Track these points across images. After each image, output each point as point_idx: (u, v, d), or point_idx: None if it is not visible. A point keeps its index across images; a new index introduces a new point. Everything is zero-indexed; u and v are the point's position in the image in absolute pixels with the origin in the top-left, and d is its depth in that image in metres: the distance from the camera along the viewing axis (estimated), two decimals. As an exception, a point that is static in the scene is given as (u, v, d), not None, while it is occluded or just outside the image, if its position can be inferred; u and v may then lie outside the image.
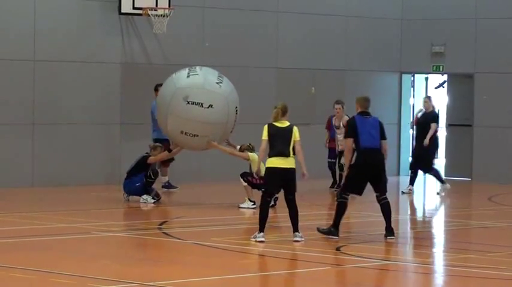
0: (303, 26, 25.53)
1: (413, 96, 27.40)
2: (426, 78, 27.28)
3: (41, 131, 21.70)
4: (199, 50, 24.13)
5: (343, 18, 26.51)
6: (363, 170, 14.46)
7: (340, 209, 14.21)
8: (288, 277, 12.94)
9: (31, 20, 22.66)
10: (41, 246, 14.54)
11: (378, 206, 16.27)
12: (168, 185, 21.36)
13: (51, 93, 22.74)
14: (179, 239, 15.75)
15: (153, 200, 18.88)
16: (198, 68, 18.43)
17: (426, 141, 20.79)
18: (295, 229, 13.36)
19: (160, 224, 16.78)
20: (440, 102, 27.71)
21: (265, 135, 13.47)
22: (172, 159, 20.93)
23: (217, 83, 18.00)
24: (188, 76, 17.98)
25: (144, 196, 18.83)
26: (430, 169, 21.38)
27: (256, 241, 13.76)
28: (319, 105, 24.43)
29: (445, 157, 25.20)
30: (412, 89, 27.24)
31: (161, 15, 22.87)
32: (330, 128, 21.79)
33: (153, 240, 16.00)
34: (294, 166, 13.61)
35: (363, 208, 18.91)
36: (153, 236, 16.31)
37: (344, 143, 16.84)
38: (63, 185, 21.53)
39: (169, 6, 22.94)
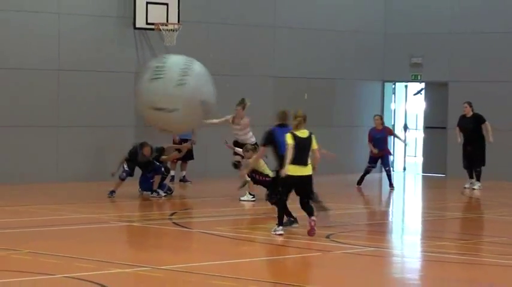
0: (297, 39, 25.47)
1: (394, 102, 27.24)
2: (406, 86, 27.22)
3: (64, 132, 21.46)
4: (204, 60, 23.13)
5: (334, 33, 26.34)
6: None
7: (280, 206, 14.09)
8: (283, 261, 13.00)
9: (56, 34, 22.51)
10: (65, 234, 14.61)
11: (363, 199, 16.44)
12: (184, 179, 21.12)
13: (73, 98, 22.46)
14: (187, 228, 15.79)
15: (164, 194, 18.70)
16: (165, 63, 16.27)
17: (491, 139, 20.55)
18: (311, 214, 13.16)
19: (171, 215, 16.79)
20: (418, 107, 26.76)
21: (291, 142, 13.06)
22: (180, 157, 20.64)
23: (179, 84, 15.96)
24: (151, 79, 15.95)
25: (157, 190, 18.77)
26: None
27: (276, 234, 13.51)
28: (312, 109, 23.53)
29: (422, 156, 25.20)
30: (393, 95, 27.11)
31: (171, 29, 22.84)
32: (371, 139, 21.13)
33: (164, 229, 15.86)
34: (311, 173, 13.44)
35: (350, 201, 19.02)
36: (164, 225, 16.23)
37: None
38: (85, 181, 21.22)
39: (178, 22, 22.95)
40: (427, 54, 26.67)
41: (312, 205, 14.56)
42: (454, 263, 12.81)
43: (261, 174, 18.85)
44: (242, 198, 18.58)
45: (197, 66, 16.37)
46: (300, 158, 13.03)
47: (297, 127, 13.24)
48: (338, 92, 25.89)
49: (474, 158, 20.99)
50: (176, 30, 22.87)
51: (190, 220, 17.08)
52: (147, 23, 22.85)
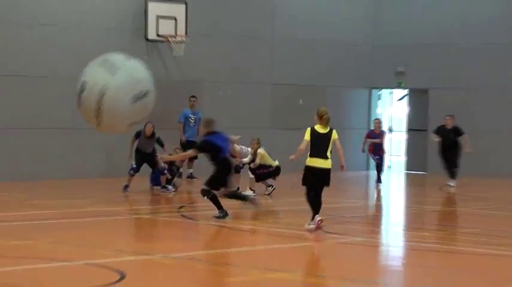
0: (292, 50, 25.40)
1: (380, 107, 27.40)
2: (391, 93, 27.43)
3: (81, 133, 20.99)
4: (209, 69, 24.12)
5: (326, 44, 26.30)
6: (225, 173, 14.53)
7: (215, 199, 14.28)
8: (280, 250, 12.97)
9: (75, 46, 22.23)
10: (84, 226, 14.59)
11: (349, 194, 16.56)
12: (191, 176, 21.07)
13: None
14: (194, 220, 15.86)
15: (174, 189, 18.75)
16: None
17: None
18: (316, 212, 13.08)
19: (179, 208, 16.85)
20: (402, 111, 26.95)
21: (307, 136, 13.06)
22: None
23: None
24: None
25: (167, 186, 18.78)
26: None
27: (308, 228, 13.18)
28: (306, 113, 23.28)
29: (406, 155, 25.17)
30: (379, 101, 27.21)
31: (179, 41, 22.91)
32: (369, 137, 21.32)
33: (173, 221, 16.01)
34: (330, 166, 13.24)
35: (341, 195, 18.70)
36: (173, 217, 16.32)
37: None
38: (105, 177, 21.28)
39: (185, 34, 22.93)
40: (409, 64, 26.80)
41: (237, 195, 14.97)
42: (434, 252, 12.83)
43: (265, 167, 18.78)
44: (243, 193, 18.06)
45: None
46: (318, 151, 12.98)
47: (323, 124, 13.17)
48: (329, 97, 25.41)
49: (452, 162, 21.14)
50: (184, 42, 22.91)
51: (196, 213, 17.09)
52: (158, 35, 22.84)
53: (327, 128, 13.16)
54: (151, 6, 22.80)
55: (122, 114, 11.34)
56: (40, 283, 10.17)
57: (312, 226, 12.91)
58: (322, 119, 13.12)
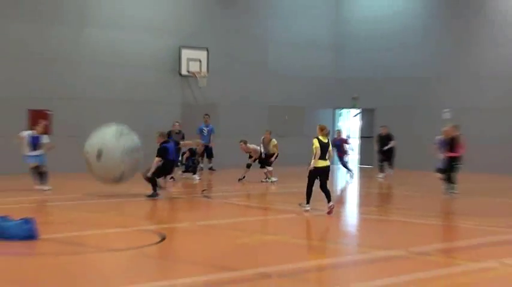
0: (282, 82, 25.68)
1: (341, 121, 27.62)
2: (348, 111, 27.38)
3: None
4: (223, 95, 24.07)
5: (305, 79, 26.39)
6: (167, 169, 14.33)
7: (154, 183, 14.02)
8: (274, 220, 13.24)
9: (126, 79, 21.71)
10: (132, 205, 14.15)
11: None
12: (211, 168, 20.65)
13: (141, 125, 19.78)
14: (213, 199, 15.76)
15: (199, 178, 18.32)
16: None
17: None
18: (329, 200, 12.84)
19: (202, 191, 16.80)
20: (356, 124, 27.51)
21: (317, 144, 12.75)
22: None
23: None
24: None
25: (193, 175, 18.29)
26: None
27: (304, 209, 12.97)
28: (290, 126, 24.72)
29: (359, 154, 25.10)
30: (340, 117, 27.59)
31: (202, 76, 22.90)
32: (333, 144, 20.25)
33: (198, 200, 15.74)
34: (329, 164, 13.06)
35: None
36: (197, 198, 16.00)
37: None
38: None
39: (207, 71, 22.89)
40: (361, 91, 26.73)
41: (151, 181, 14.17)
42: (379, 221, 13.13)
43: (271, 155, 18.56)
44: (273, 179, 18.46)
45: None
46: (323, 155, 12.88)
47: (323, 135, 13.04)
48: (307, 115, 26.09)
49: (387, 158, 21.04)
50: (205, 77, 22.95)
51: (215, 194, 16.87)
52: (188, 72, 22.69)
53: (326, 138, 13.06)
54: (184, 52, 22.73)
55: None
56: (105, 243, 9.98)
57: (307, 208, 12.82)
58: (323, 131, 13.01)
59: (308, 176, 12.88)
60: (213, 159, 20.97)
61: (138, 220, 12.12)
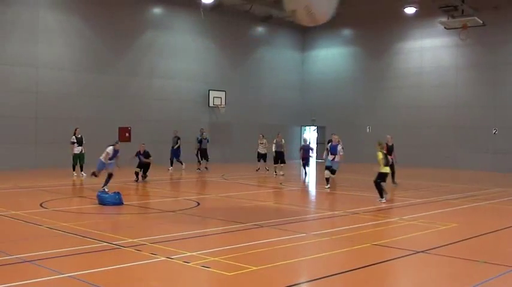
0: (269, 108, 29.45)
1: (305, 133, 30.26)
2: (309, 128, 31.52)
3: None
4: (235, 119, 27.70)
5: (282, 106, 30.22)
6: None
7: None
8: (268, 192, 14.96)
9: (163, 114, 25.30)
10: (172, 183, 16.27)
11: (288, 177, 17.58)
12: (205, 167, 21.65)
13: (183, 136, 22.76)
14: (230, 181, 17.74)
15: (198, 170, 20.33)
16: None
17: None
18: (382, 195, 12.96)
19: (222, 175, 19.22)
20: (314, 136, 30.59)
21: (381, 156, 12.42)
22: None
23: None
24: None
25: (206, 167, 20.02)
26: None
27: (381, 201, 12.68)
28: (271, 137, 23.00)
29: (316, 153, 24.30)
30: (304, 131, 31.23)
31: (222, 107, 27.18)
32: (300, 149, 19.74)
33: (219, 181, 17.48)
34: (389, 171, 12.77)
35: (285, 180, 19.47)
36: (219, 179, 17.89)
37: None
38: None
39: (225, 103, 27.05)
40: (317, 114, 30.70)
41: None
42: (329, 193, 14.79)
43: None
44: (280, 173, 19.18)
45: None
46: (386, 163, 12.63)
47: (381, 148, 12.76)
48: (284, 130, 27.87)
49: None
50: (224, 107, 27.10)
51: (233, 177, 18.97)
52: (213, 104, 27.10)
53: (380, 153, 12.29)
54: (211, 93, 27.04)
55: None
56: (163, 207, 11.42)
57: (384, 200, 12.62)
58: (381, 145, 12.67)
59: (375, 179, 12.69)
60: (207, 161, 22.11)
61: (179, 193, 14.29)
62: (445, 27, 25.16)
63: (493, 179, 17.71)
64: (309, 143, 20.91)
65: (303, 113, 31.85)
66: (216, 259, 7.26)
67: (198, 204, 12.33)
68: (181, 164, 20.91)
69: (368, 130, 28.64)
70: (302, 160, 19.31)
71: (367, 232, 9.53)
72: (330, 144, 16.35)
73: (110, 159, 13.91)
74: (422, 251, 8.03)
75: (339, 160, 15.92)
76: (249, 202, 12.81)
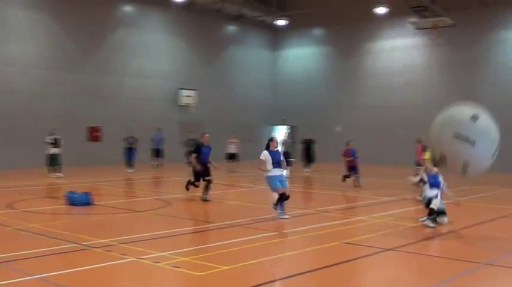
0: (241, 108, 29.67)
1: (276, 133, 29.87)
2: (280, 127, 31.35)
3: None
4: (206, 117, 27.47)
5: (254, 107, 30.76)
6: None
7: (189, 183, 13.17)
8: (234, 191, 15.20)
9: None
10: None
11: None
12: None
13: (152, 133, 23.54)
14: (239, 175, 19.06)
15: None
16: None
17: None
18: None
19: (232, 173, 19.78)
20: (285, 135, 27.50)
21: (429, 157, 10.87)
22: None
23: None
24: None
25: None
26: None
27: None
28: (245, 135, 26.22)
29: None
30: (275, 130, 31.14)
31: (193, 105, 27.48)
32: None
33: (230, 176, 18.51)
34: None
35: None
36: (229, 176, 18.78)
37: None
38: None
39: (196, 102, 27.29)
40: (288, 114, 31.00)
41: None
42: (302, 192, 15.33)
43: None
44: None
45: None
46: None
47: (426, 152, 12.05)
48: (255, 130, 30.29)
49: (309, 158, 21.71)
50: (194, 107, 27.46)
51: (242, 174, 19.94)
52: (183, 103, 27.27)
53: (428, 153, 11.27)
54: (182, 91, 27.25)
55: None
56: (133, 207, 11.86)
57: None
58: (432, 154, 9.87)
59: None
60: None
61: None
62: (415, 28, 25.61)
63: (462, 178, 16.47)
64: (282, 142, 21.00)
65: (275, 112, 32.29)
66: (186, 259, 7.31)
67: (168, 204, 12.51)
68: (131, 167, 20.73)
69: (337, 129, 29.03)
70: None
71: (337, 230, 9.69)
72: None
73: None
74: (391, 249, 8.15)
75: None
76: (220, 201, 13.09)
